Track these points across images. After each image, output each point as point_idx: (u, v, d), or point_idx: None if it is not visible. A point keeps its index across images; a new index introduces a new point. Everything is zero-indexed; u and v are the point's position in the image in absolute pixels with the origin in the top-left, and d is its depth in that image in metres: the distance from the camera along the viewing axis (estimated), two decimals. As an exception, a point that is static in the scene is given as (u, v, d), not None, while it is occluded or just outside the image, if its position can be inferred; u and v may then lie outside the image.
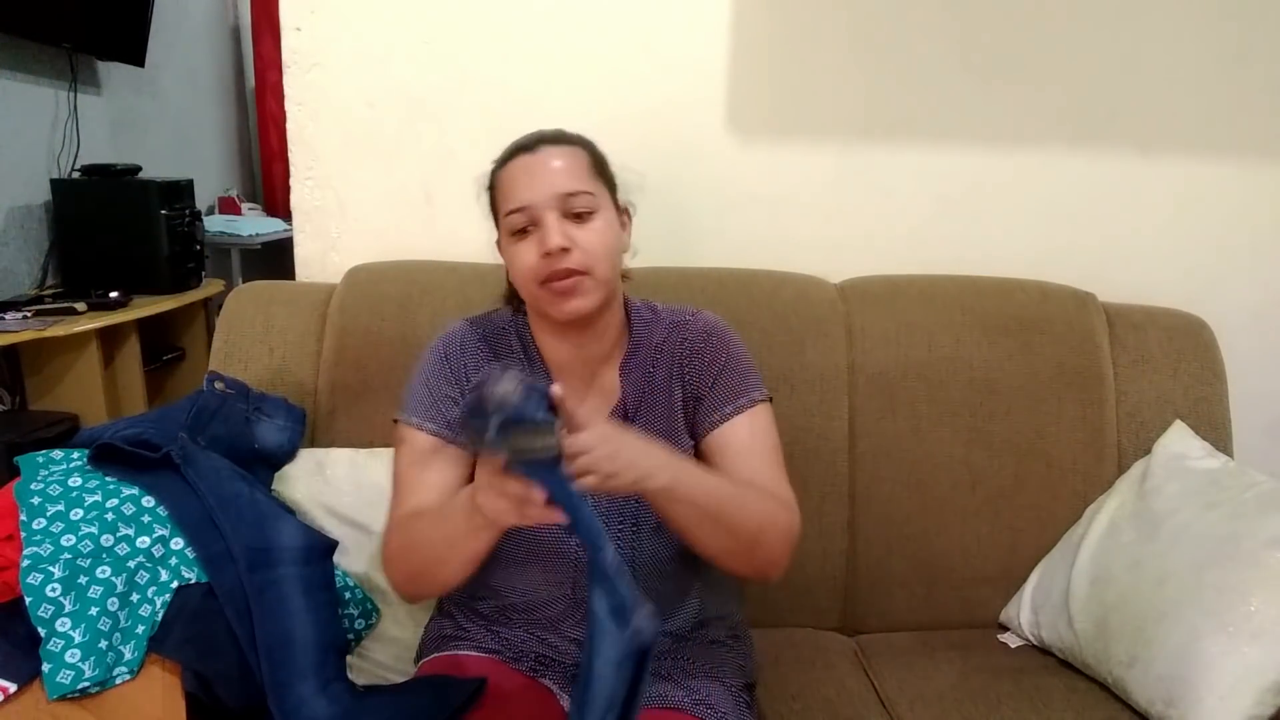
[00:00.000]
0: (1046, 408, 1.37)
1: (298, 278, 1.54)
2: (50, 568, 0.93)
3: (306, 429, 1.29)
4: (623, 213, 1.04)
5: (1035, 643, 1.31)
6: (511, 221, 0.97)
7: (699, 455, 1.02)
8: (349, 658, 1.14)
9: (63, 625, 0.91)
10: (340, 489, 1.22)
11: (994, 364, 1.37)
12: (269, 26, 3.71)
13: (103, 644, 0.91)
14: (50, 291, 2.49)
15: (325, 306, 1.37)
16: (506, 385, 0.73)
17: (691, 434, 1.03)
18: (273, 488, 1.22)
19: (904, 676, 1.23)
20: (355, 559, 1.18)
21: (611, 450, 0.80)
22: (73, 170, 2.65)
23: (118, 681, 0.91)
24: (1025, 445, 1.36)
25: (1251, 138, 1.52)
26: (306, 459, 1.25)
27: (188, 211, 2.66)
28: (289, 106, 1.48)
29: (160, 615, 0.97)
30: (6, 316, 2.15)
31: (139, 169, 2.67)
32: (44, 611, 0.91)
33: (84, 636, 0.90)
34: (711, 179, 1.51)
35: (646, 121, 1.47)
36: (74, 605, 0.92)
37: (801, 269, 1.45)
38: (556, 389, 0.76)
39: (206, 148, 3.72)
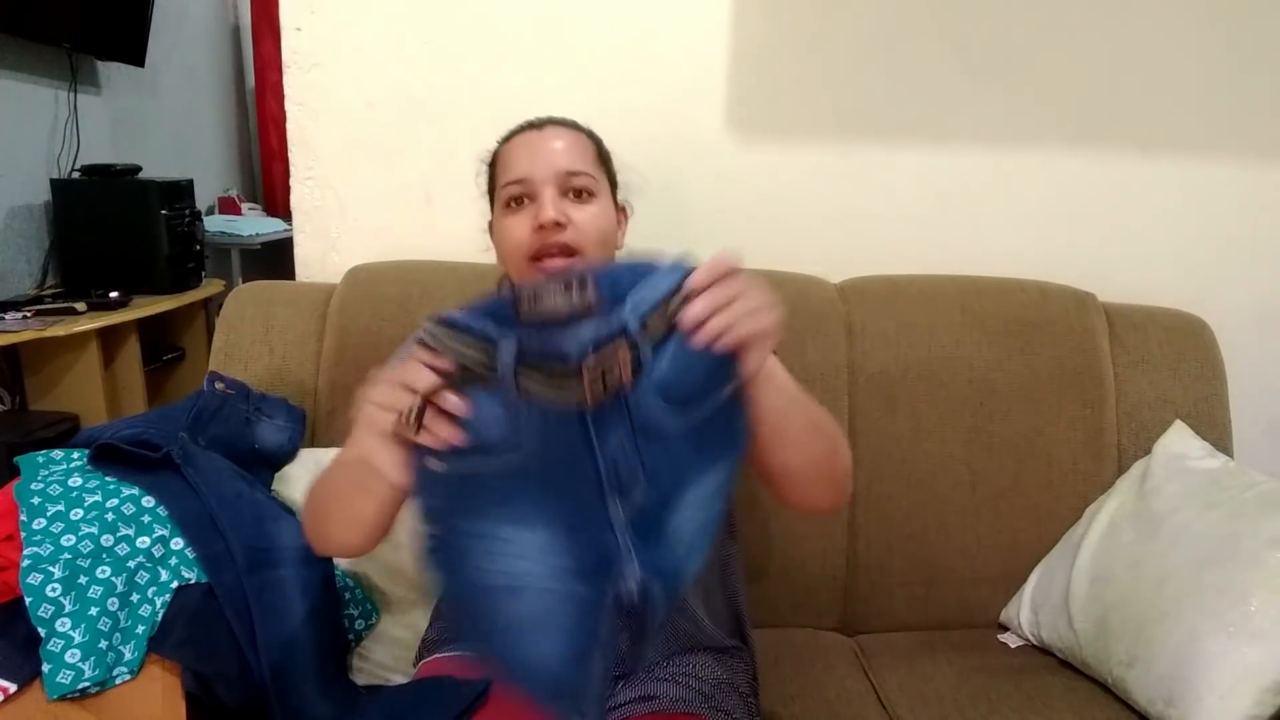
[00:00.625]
0: (1046, 408, 1.37)
1: (298, 278, 1.54)
2: (50, 568, 0.93)
3: (306, 429, 1.29)
4: (620, 210, 1.05)
5: (1035, 643, 1.31)
6: (508, 192, 0.96)
7: None
8: (349, 658, 1.14)
9: (63, 625, 0.90)
10: (340, 489, 1.22)
11: (994, 364, 1.37)
12: (269, 26, 3.71)
13: (103, 644, 0.91)
14: (50, 291, 2.50)
15: (325, 306, 1.37)
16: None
17: None
18: (272, 488, 1.22)
19: (904, 677, 1.23)
20: (355, 559, 1.18)
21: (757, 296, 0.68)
22: (73, 170, 2.65)
23: (118, 681, 0.91)
24: (1025, 445, 1.36)
25: (1252, 138, 1.52)
26: (306, 459, 1.25)
27: (188, 211, 2.66)
28: (289, 106, 1.48)
29: (160, 615, 0.97)
30: (6, 316, 2.15)
31: (139, 169, 2.67)
32: (44, 611, 0.91)
33: (84, 636, 0.90)
34: (711, 178, 1.51)
35: (646, 120, 1.47)
36: (74, 605, 0.92)
37: (801, 269, 1.45)
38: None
39: (206, 148, 3.72)
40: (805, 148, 1.52)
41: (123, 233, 2.55)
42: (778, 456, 0.80)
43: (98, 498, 1.00)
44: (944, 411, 1.36)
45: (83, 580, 0.94)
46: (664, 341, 0.66)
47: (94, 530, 0.97)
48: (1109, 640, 1.17)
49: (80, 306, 2.31)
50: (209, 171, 3.67)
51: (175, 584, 0.99)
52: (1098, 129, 1.51)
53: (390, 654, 1.16)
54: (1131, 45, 1.49)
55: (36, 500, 0.99)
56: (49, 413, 2.30)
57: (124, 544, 0.98)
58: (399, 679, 1.11)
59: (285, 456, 1.25)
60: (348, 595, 1.14)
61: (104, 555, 0.96)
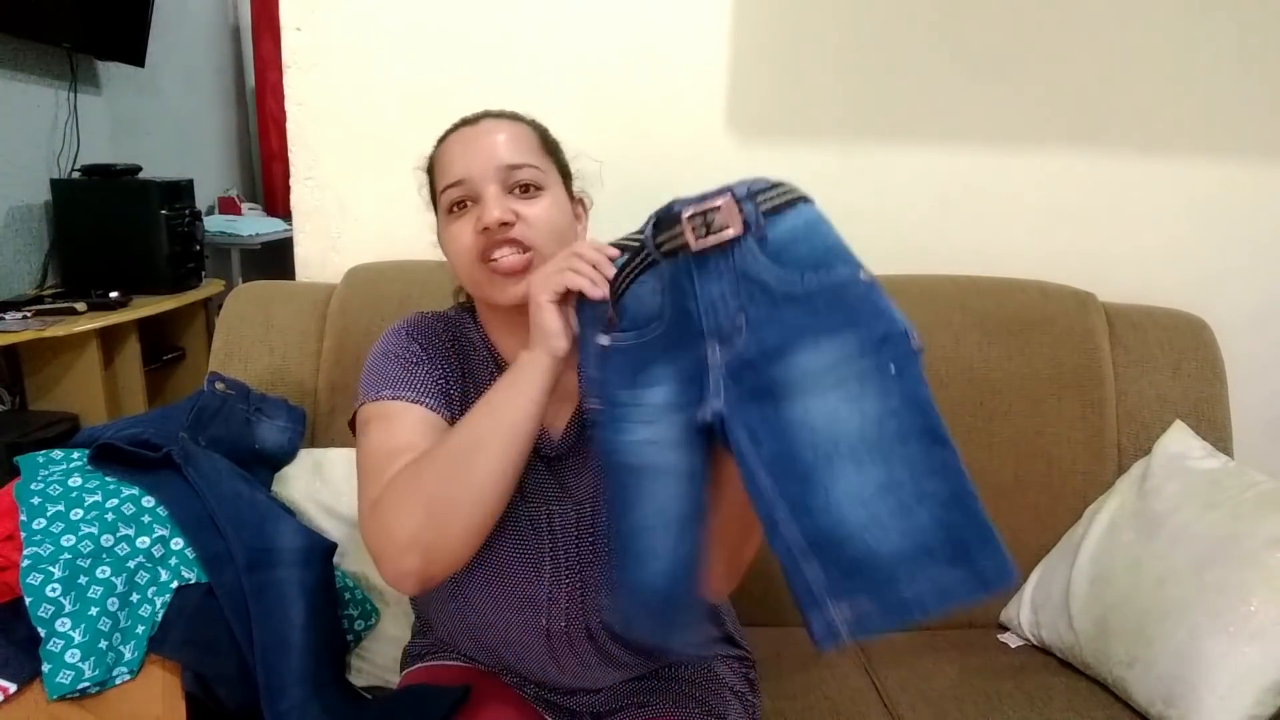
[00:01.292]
0: (1046, 408, 1.37)
1: (298, 278, 1.54)
2: (50, 568, 0.93)
3: (306, 429, 1.29)
4: (577, 202, 0.97)
5: (1035, 642, 1.31)
6: (448, 196, 0.89)
7: None
8: (349, 659, 1.14)
9: (63, 625, 0.91)
10: (338, 489, 1.22)
11: (994, 364, 1.37)
12: (269, 26, 3.71)
13: (103, 644, 0.91)
14: (50, 291, 2.50)
15: (325, 306, 1.37)
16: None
17: None
18: (272, 488, 1.22)
19: (905, 676, 1.23)
20: (354, 559, 1.18)
21: None
22: (73, 170, 2.65)
23: (118, 682, 0.91)
24: (1025, 445, 1.36)
25: (1252, 138, 1.52)
26: (304, 459, 1.25)
27: (188, 211, 2.66)
28: (289, 106, 1.48)
29: (160, 615, 0.97)
30: (6, 316, 2.15)
31: (139, 169, 2.68)
32: (44, 611, 0.91)
33: (84, 636, 0.90)
34: (711, 179, 1.50)
35: (646, 122, 1.47)
36: (74, 605, 0.92)
37: (801, 269, 1.45)
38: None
39: (206, 148, 3.72)
40: (805, 148, 1.52)
41: (123, 233, 2.55)
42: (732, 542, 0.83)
43: (98, 498, 1.00)
44: (944, 411, 1.34)
45: (83, 580, 0.94)
46: (773, 215, 0.72)
47: (94, 530, 0.97)
48: (1109, 640, 1.17)
49: (80, 306, 2.31)
50: (209, 171, 3.67)
51: (175, 584, 0.99)
52: (1098, 129, 1.51)
53: (390, 654, 1.15)
54: (1131, 45, 1.49)
55: (36, 500, 0.99)
56: (49, 413, 2.30)
57: (124, 544, 0.98)
58: (398, 680, 1.11)
59: (285, 457, 1.25)
60: (348, 595, 1.14)
61: (104, 555, 0.96)
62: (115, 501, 1.01)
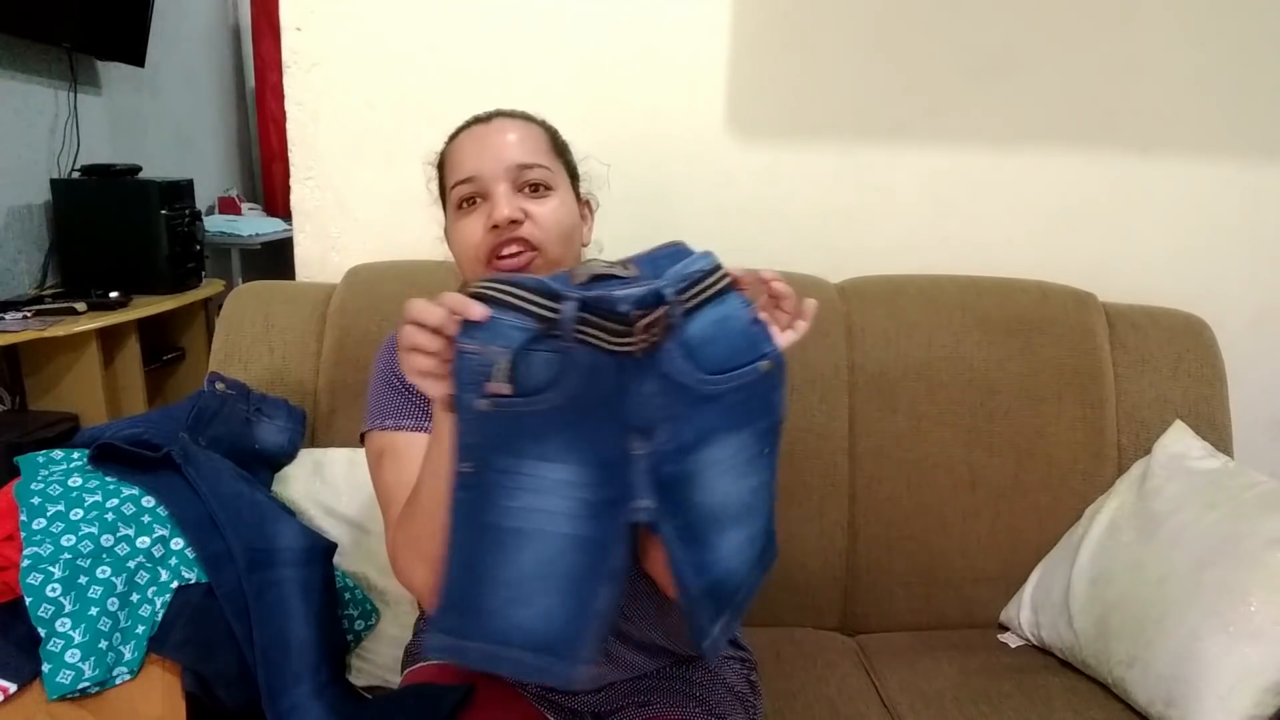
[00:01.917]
0: (1046, 408, 1.37)
1: (298, 278, 1.54)
2: (50, 568, 0.93)
3: (306, 430, 1.29)
4: (584, 204, 0.98)
5: (1035, 643, 1.31)
6: (458, 192, 0.90)
7: None
8: (350, 658, 1.14)
9: (63, 625, 0.91)
10: (338, 489, 1.22)
11: (994, 364, 1.37)
12: (269, 26, 3.71)
13: (103, 644, 0.91)
14: (50, 291, 2.50)
15: (325, 306, 1.37)
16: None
17: None
18: (272, 488, 1.22)
19: (905, 676, 1.23)
20: (354, 559, 1.18)
21: None
22: (73, 170, 2.65)
23: (118, 682, 0.91)
24: (1025, 445, 1.36)
25: (1252, 138, 1.52)
26: (304, 459, 1.26)
27: (188, 211, 2.66)
28: (289, 106, 1.48)
29: (160, 615, 0.97)
30: (6, 316, 2.15)
31: (139, 169, 2.68)
32: (44, 611, 0.91)
33: (84, 636, 0.90)
34: (711, 179, 1.51)
35: (646, 122, 1.47)
36: (74, 605, 0.92)
37: (801, 269, 1.45)
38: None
39: (206, 148, 3.72)
40: (805, 148, 1.52)
41: (123, 233, 2.55)
42: None
43: (98, 498, 1.00)
44: (944, 411, 1.36)
45: (83, 580, 0.94)
46: (694, 312, 0.76)
47: (94, 530, 0.97)
48: (1109, 640, 1.17)
49: (80, 306, 2.31)
50: (209, 171, 3.67)
51: (175, 584, 0.99)
52: (1098, 129, 1.51)
53: (390, 654, 1.15)
54: (1131, 45, 1.49)
55: (36, 500, 0.99)
56: (49, 413, 2.30)
57: (124, 544, 0.98)
58: (398, 679, 1.11)
59: (285, 457, 1.25)
60: (348, 595, 1.14)
61: (104, 555, 0.96)
62: (115, 501, 1.01)
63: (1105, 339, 1.40)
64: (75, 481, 1.02)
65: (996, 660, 1.28)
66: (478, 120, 0.95)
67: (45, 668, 0.89)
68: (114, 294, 2.45)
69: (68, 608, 0.92)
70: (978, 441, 1.36)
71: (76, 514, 0.98)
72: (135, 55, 2.89)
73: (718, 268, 0.78)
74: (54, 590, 0.92)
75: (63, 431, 2.15)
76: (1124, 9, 1.47)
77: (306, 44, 1.46)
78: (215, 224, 3.32)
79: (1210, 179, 1.53)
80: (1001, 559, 1.36)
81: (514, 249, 0.87)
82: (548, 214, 0.89)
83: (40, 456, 1.07)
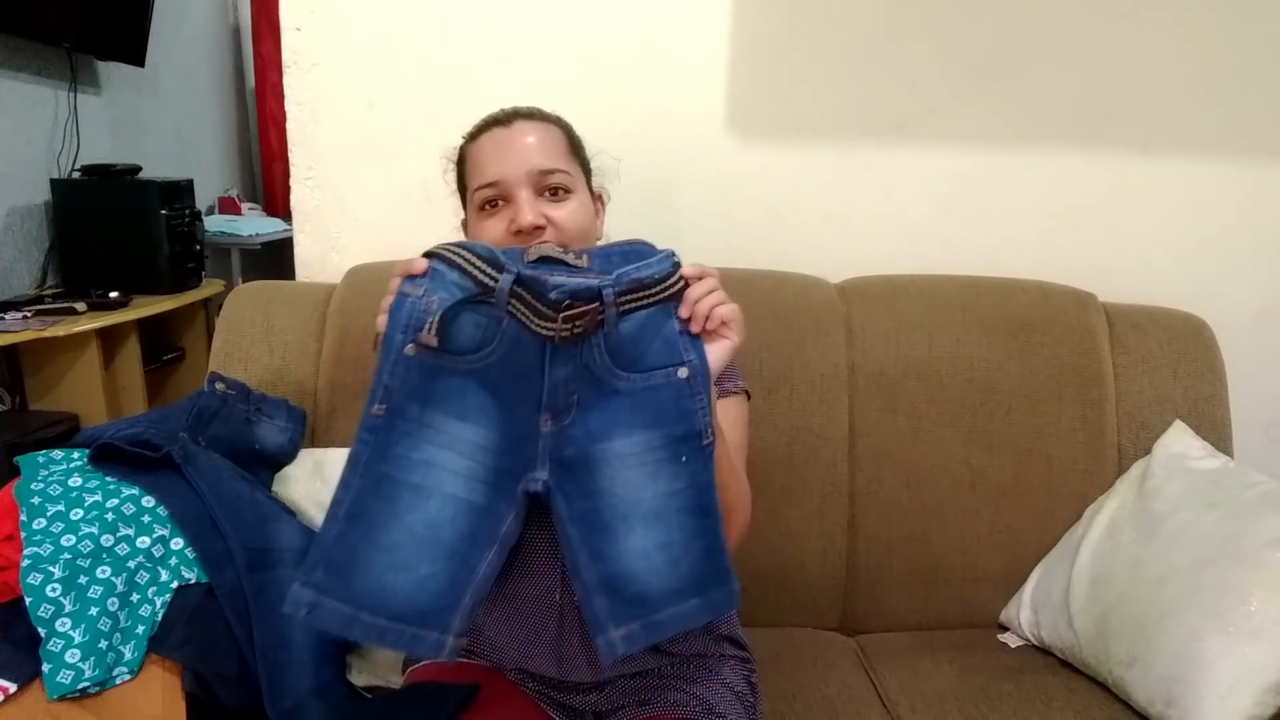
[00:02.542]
0: (1046, 408, 1.37)
1: (298, 278, 1.54)
2: (50, 568, 0.93)
3: (307, 430, 1.29)
4: (596, 198, 1.02)
5: (1035, 643, 1.31)
6: (482, 195, 0.94)
7: None
8: (350, 658, 1.14)
9: (63, 625, 0.91)
10: (340, 489, 1.22)
11: (994, 364, 1.37)
12: (269, 26, 3.71)
13: (103, 644, 0.91)
14: (50, 291, 2.50)
15: (325, 306, 1.37)
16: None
17: None
18: (272, 488, 1.21)
19: (905, 676, 1.23)
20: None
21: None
22: (73, 170, 2.65)
23: (118, 681, 0.91)
24: (1025, 445, 1.36)
25: (1252, 138, 1.52)
26: (304, 459, 1.25)
27: (188, 211, 2.66)
28: (289, 106, 1.48)
29: (160, 615, 0.97)
30: (6, 316, 2.15)
31: (139, 169, 2.68)
32: (44, 611, 0.91)
33: (84, 636, 0.90)
34: (711, 179, 1.51)
35: (646, 121, 1.47)
36: (74, 605, 0.92)
37: (801, 269, 1.45)
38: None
39: (206, 148, 3.72)
40: (805, 148, 1.52)
41: (123, 233, 2.55)
42: None
43: (98, 498, 1.00)
44: (944, 411, 1.36)
45: (83, 580, 0.94)
46: (630, 313, 0.81)
47: (94, 530, 0.97)
48: (1109, 640, 1.17)
49: (80, 306, 2.31)
50: (209, 171, 3.67)
51: (175, 584, 0.99)
52: (1098, 129, 1.51)
53: (390, 654, 1.15)
54: (1131, 45, 1.49)
55: (36, 500, 0.99)
56: (49, 413, 2.30)
57: (124, 544, 0.98)
58: (398, 679, 1.11)
59: (285, 457, 1.25)
60: (348, 595, 1.14)
61: (104, 555, 0.96)
62: (115, 501, 1.01)
63: (1105, 339, 1.40)
64: (75, 481, 1.02)
65: (996, 660, 1.28)
66: (497, 122, 0.97)
67: (45, 668, 0.89)
68: (114, 294, 2.45)
69: (68, 608, 0.92)
70: (978, 441, 1.36)
71: (76, 514, 0.98)
72: (135, 55, 2.89)
73: (670, 275, 0.81)
74: (54, 590, 0.92)
75: (63, 431, 2.15)
76: (1124, 9, 1.47)
77: (306, 44, 1.46)
78: (215, 224, 3.32)
79: (1210, 179, 1.53)
80: (1001, 559, 1.36)
81: None
82: (566, 217, 0.93)
83: (40, 456, 1.07)
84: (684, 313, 0.82)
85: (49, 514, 0.97)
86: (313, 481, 1.23)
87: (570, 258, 0.81)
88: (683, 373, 0.82)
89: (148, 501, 1.02)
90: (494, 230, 0.93)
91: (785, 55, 1.49)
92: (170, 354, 2.84)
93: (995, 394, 1.37)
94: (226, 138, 3.91)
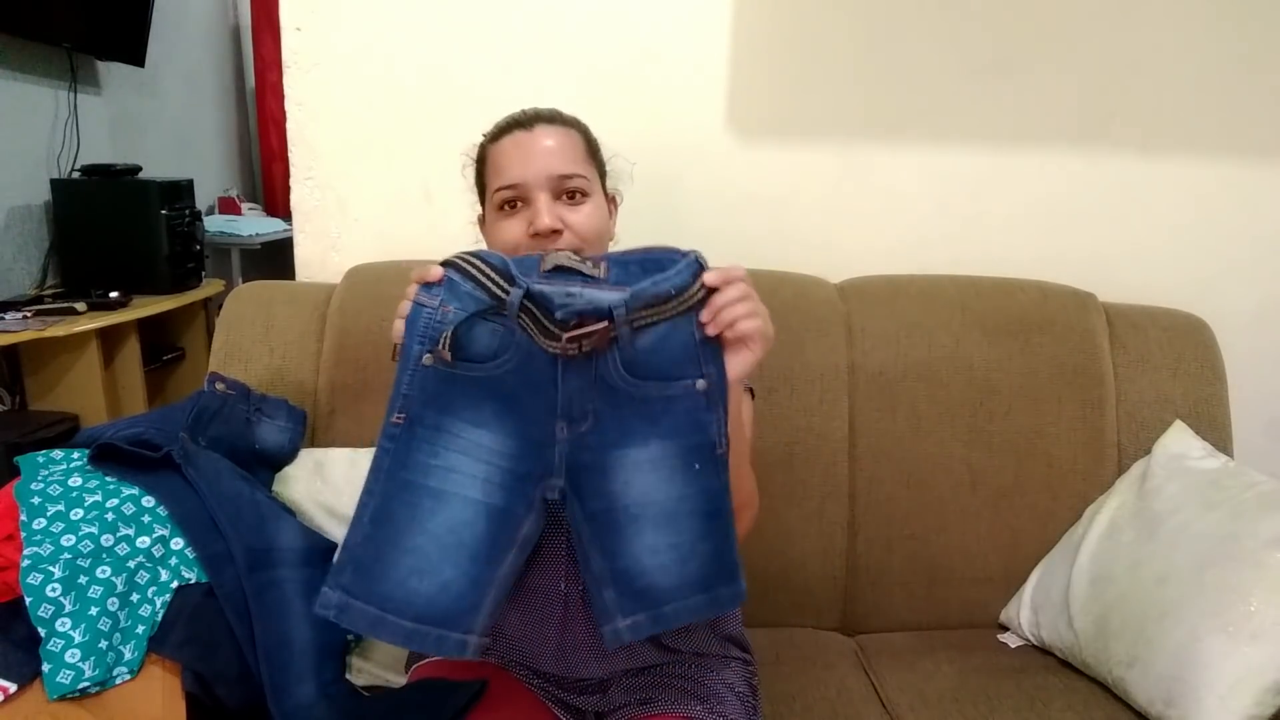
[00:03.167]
0: (1046, 408, 1.37)
1: (298, 278, 1.54)
2: (50, 568, 0.93)
3: (307, 430, 1.29)
4: (610, 200, 1.04)
5: (1035, 643, 1.31)
6: (501, 196, 0.96)
7: None
8: (350, 659, 1.14)
9: (63, 625, 0.91)
10: (339, 489, 1.22)
11: (994, 364, 1.37)
12: (269, 26, 3.71)
13: (103, 644, 0.91)
14: (50, 291, 2.50)
15: (325, 306, 1.37)
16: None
17: None
18: (272, 488, 1.21)
19: (904, 676, 1.23)
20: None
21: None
22: (73, 170, 2.65)
23: (118, 681, 0.91)
24: (1025, 445, 1.36)
25: (1252, 138, 1.52)
26: (305, 459, 1.26)
27: (188, 211, 2.66)
28: (289, 106, 1.48)
29: (160, 615, 0.97)
30: (6, 316, 2.15)
31: (139, 169, 2.68)
32: (44, 611, 0.91)
33: (84, 636, 0.90)
34: (711, 179, 1.51)
35: (646, 121, 1.47)
36: (74, 605, 0.92)
37: (801, 269, 1.45)
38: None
39: (206, 148, 3.72)
40: (805, 148, 1.52)
41: (123, 233, 2.55)
42: None
43: (98, 498, 1.00)
44: (944, 411, 1.36)
45: (83, 580, 0.94)
46: (649, 327, 0.80)
47: (94, 530, 0.97)
48: (1109, 640, 1.17)
49: (80, 306, 2.31)
50: (209, 171, 3.67)
51: (175, 584, 0.99)
52: (1098, 129, 1.51)
53: (390, 654, 1.15)
54: (1131, 45, 1.49)
55: (36, 500, 0.99)
56: (49, 413, 2.30)
57: (124, 544, 0.98)
58: (398, 679, 1.11)
59: (285, 457, 1.25)
60: (348, 595, 1.14)
61: (104, 555, 0.96)
62: (115, 501, 1.01)
63: (1105, 339, 1.40)
64: (75, 481, 1.02)
65: (996, 660, 1.28)
66: (518, 125, 0.99)
67: (45, 668, 0.89)
68: (114, 294, 2.45)
69: (68, 608, 0.92)
70: (978, 441, 1.36)
71: (76, 514, 0.98)
72: (135, 55, 2.89)
73: (689, 285, 0.80)
74: (54, 590, 0.92)
75: (63, 431, 2.15)
76: (1124, 9, 1.47)
77: (306, 44, 1.46)
78: (215, 224, 3.32)
79: (1210, 179, 1.53)
80: (1001, 559, 1.36)
81: None
82: (584, 220, 0.95)
83: (40, 456, 1.07)
84: (704, 318, 0.81)
85: (49, 514, 0.97)
86: (313, 481, 1.23)
87: (587, 267, 0.80)
88: (700, 384, 0.82)
89: (148, 501, 1.02)
90: (512, 231, 0.95)
91: (785, 55, 1.49)
92: (170, 354, 2.84)
93: (995, 394, 1.37)
94: (226, 138, 3.91)
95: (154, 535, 1.00)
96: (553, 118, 1.00)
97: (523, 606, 0.95)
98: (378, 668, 1.15)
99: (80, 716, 0.87)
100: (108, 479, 1.03)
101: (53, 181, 2.55)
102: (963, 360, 1.37)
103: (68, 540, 0.95)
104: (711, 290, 0.81)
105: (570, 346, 0.79)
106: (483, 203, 1.03)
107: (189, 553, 1.01)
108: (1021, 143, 1.52)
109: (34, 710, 0.87)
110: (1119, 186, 1.53)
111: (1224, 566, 1.10)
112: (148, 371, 2.62)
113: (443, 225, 1.50)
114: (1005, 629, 1.36)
